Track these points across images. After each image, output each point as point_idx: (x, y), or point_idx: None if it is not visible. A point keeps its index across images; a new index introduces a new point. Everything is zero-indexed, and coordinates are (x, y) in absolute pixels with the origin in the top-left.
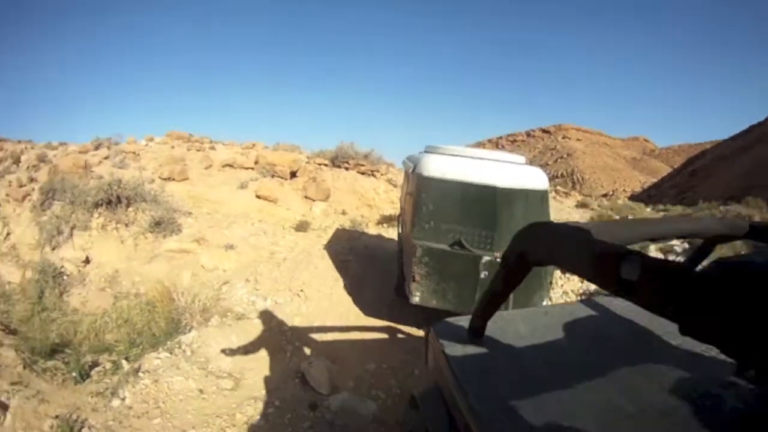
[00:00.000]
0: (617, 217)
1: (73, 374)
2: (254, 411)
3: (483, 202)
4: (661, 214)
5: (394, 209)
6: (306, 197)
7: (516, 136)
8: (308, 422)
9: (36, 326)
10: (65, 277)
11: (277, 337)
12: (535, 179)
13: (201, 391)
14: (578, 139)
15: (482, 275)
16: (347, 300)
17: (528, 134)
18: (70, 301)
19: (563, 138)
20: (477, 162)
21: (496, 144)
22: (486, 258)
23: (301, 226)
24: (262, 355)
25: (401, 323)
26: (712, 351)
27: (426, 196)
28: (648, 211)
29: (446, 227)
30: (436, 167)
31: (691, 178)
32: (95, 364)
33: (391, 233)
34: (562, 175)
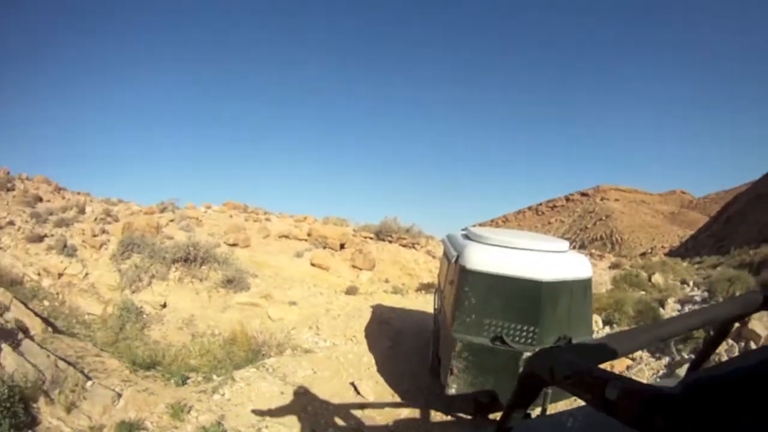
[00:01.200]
0: (656, 274)
1: (173, 380)
2: (319, 406)
3: (526, 296)
4: (696, 266)
5: (431, 277)
6: (354, 266)
7: (555, 202)
8: (357, 414)
9: (121, 349)
10: (145, 316)
11: (336, 364)
12: (578, 268)
13: (282, 393)
14: (616, 199)
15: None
16: (387, 345)
17: (567, 198)
18: (151, 335)
19: (601, 199)
20: (520, 253)
21: (536, 211)
22: (527, 354)
23: (351, 290)
24: (326, 374)
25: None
26: None
27: (468, 290)
28: (684, 265)
29: (488, 321)
30: (479, 259)
31: (726, 225)
32: (186, 379)
33: (428, 298)
34: (600, 238)
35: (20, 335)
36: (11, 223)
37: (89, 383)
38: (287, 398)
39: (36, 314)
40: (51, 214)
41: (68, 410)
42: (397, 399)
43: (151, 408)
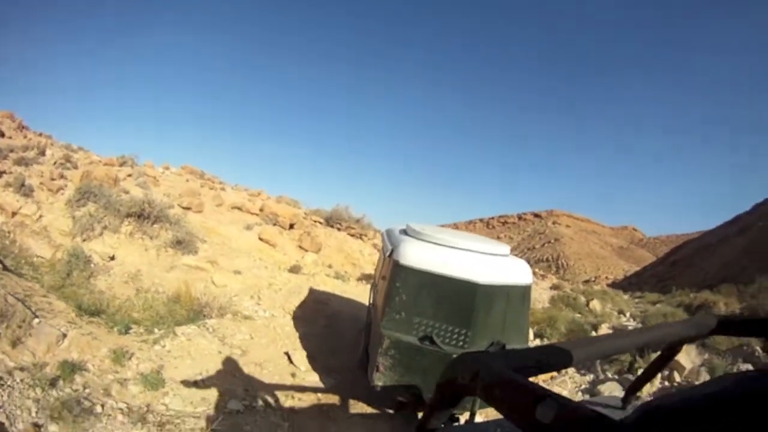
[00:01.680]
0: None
1: (116, 328)
2: (254, 369)
3: (460, 297)
4: (636, 300)
5: (374, 270)
6: (300, 247)
7: (508, 218)
8: (288, 382)
9: (67, 294)
10: (93, 265)
11: (273, 333)
12: (518, 273)
13: (219, 352)
14: (568, 226)
15: None
16: (323, 324)
17: (519, 217)
18: (97, 284)
19: (553, 223)
20: (458, 253)
21: (487, 224)
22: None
23: (294, 269)
24: (263, 341)
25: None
26: None
27: (400, 286)
28: (624, 297)
29: (418, 320)
30: (414, 256)
31: (672, 267)
32: (129, 329)
33: (368, 288)
34: (547, 260)
35: None
36: None
37: (36, 321)
38: (224, 357)
39: None
40: (11, 151)
41: (13, 345)
42: (326, 376)
43: (93, 351)
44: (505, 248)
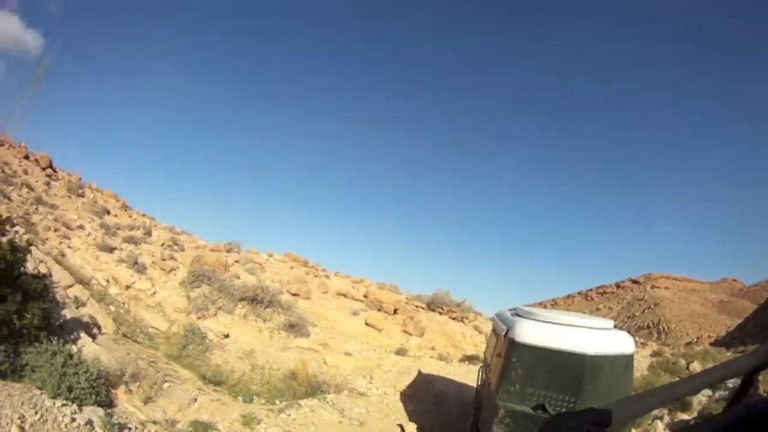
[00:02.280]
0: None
1: (239, 397)
2: None
3: (570, 368)
4: (739, 355)
5: (475, 350)
6: (405, 331)
7: (606, 288)
8: None
9: (185, 365)
10: (208, 341)
11: (386, 408)
12: (621, 344)
13: (340, 422)
14: (667, 288)
15: None
16: (431, 402)
17: (617, 285)
18: (212, 358)
19: (652, 287)
20: (566, 329)
21: (585, 296)
22: None
23: (400, 352)
24: (378, 415)
25: None
26: None
27: (516, 361)
28: (727, 354)
29: (531, 391)
30: (527, 333)
31: None
32: (252, 399)
33: (471, 368)
34: (648, 326)
35: (95, 330)
36: (81, 227)
37: (166, 384)
38: (345, 427)
39: (108, 314)
40: (119, 229)
41: (145, 402)
42: None
43: (223, 415)
44: (609, 323)
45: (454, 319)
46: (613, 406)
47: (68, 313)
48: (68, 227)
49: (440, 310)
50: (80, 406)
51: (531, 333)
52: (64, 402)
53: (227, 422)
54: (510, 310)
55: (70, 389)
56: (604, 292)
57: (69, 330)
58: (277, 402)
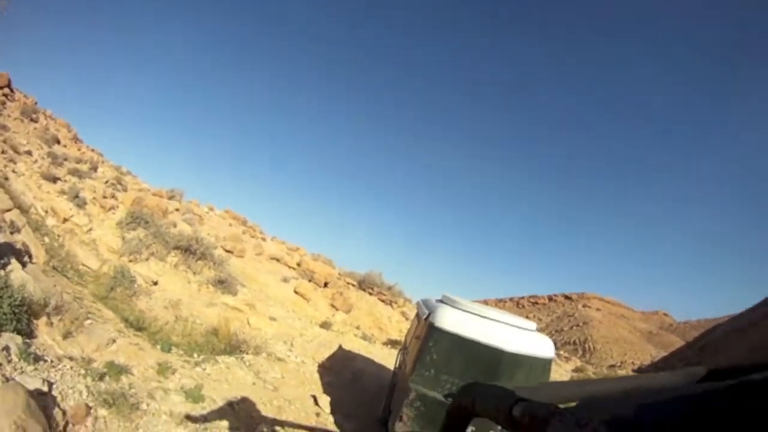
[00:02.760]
0: None
1: (158, 346)
2: (283, 403)
3: (487, 362)
4: None
5: (399, 336)
6: (332, 305)
7: (538, 299)
8: (313, 420)
9: (109, 306)
10: (136, 285)
11: (302, 377)
12: (541, 347)
13: (254, 383)
14: (598, 309)
15: (469, 430)
16: (349, 377)
17: (550, 298)
18: (138, 304)
19: (584, 306)
20: (488, 322)
21: (517, 303)
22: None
23: (325, 325)
24: (293, 382)
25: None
26: None
27: (432, 345)
28: None
29: (445, 378)
30: (448, 320)
31: (700, 352)
32: (170, 348)
33: (392, 352)
34: (574, 343)
35: (26, 258)
36: (29, 153)
37: (87, 321)
38: (258, 389)
39: (42, 245)
40: (66, 160)
41: (65, 336)
42: (347, 421)
43: (139, 360)
44: (532, 324)
45: (383, 301)
46: (520, 389)
47: (2, 237)
48: (16, 151)
49: (371, 290)
50: None
51: (452, 320)
52: None
53: (142, 368)
54: (437, 297)
55: None
56: (536, 303)
57: (0, 253)
58: (195, 355)
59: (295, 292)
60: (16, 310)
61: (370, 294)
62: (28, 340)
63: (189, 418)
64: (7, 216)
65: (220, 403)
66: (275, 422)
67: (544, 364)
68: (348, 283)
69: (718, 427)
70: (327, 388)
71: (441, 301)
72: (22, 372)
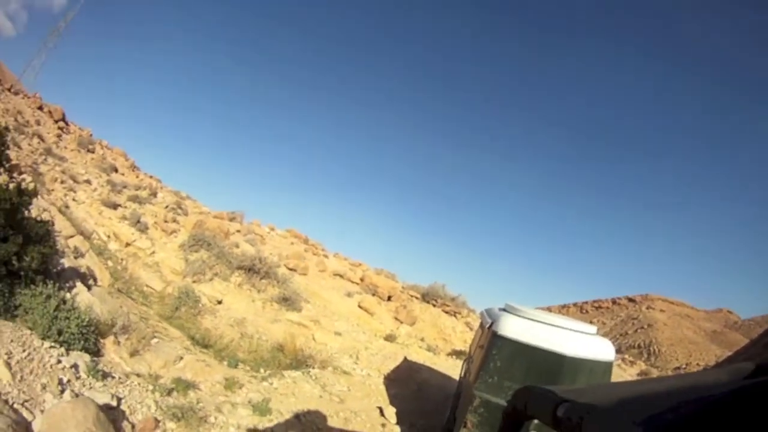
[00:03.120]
0: None
1: (225, 362)
2: (350, 415)
3: (548, 367)
4: None
5: (464, 346)
6: (396, 318)
7: (602, 303)
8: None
9: (175, 326)
10: (201, 305)
11: (368, 389)
12: (602, 351)
13: (320, 396)
14: (662, 310)
15: None
16: (414, 388)
17: (614, 302)
18: (203, 322)
19: (647, 308)
20: (549, 328)
21: (580, 308)
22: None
23: (389, 338)
24: (359, 395)
25: None
26: None
27: (496, 353)
28: None
29: (508, 384)
30: (510, 328)
31: (765, 350)
32: (237, 364)
33: (457, 363)
34: (639, 346)
35: (91, 281)
36: (88, 182)
37: (154, 340)
38: (325, 401)
39: (106, 268)
40: (125, 187)
41: (132, 354)
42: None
43: (206, 376)
44: (592, 328)
45: (447, 312)
46: (568, 391)
47: (67, 262)
48: (75, 180)
49: (434, 302)
50: (68, 350)
51: (513, 327)
52: (53, 344)
53: (210, 383)
54: (500, 306)
55: (59, 333)
56: (600, 307)
57: (66, 278)
58: (262, 370)
59: (359, 307)
60: (84, 330)
61: (434, 306)
62: (96, 359)
63: (257, 430)
64: (71, 242)
65: (287, 415)
66: None
67: (605, 368)
68: (411, 296)
69: (750, 424)
70: (392, 400)
71: (504, 310)
72: (91, 388)
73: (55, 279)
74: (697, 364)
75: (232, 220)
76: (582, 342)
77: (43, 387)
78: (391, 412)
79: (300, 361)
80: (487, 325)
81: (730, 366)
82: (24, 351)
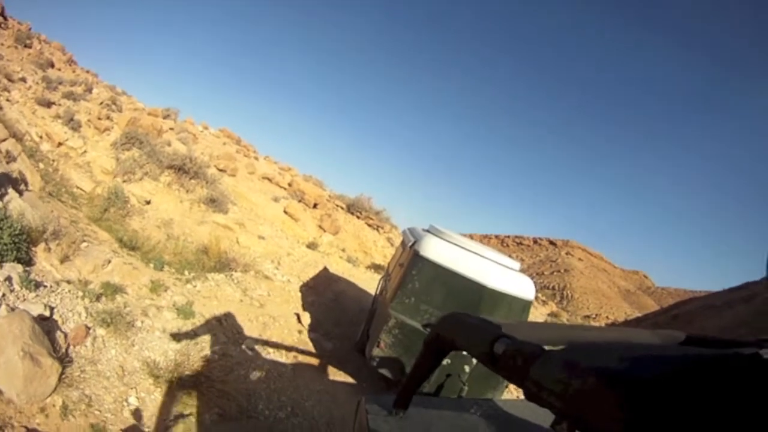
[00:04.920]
0: None
1: (151, 264)
2: (268, 320)
3: (468, 296)
4: None
5: (383, 261)
6: (320, 227)
7: (523, 240)
8: (295, 337)
9: (104, 228)
10: (129, 206)
11: (287, 295)
12: (523, 288)
13: (241, 300)
14: (580, 259)
15: (444, 363)
16: (331, 297)
17: (535, 241)
18: (131, 224)
19: (567, 254)
20: (473, 257)
21: (502, 241)
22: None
23: (311, 245)
24: (278, 300)
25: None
26: None
27: (416, 274)
28: None
29: (425, 308)
30: (434, 250)
31: (672, 320)
32: (163, 266)
33: (375, 276)
34: (553, 288)
35: (22, 186)
36: (23, 80)
37: (84, 244)
38: (245, 306)
39: (37, 171)
40: (60, 83)
41: (62, 261)
42: (326, 339)
43: (133, 279)
44: (516, 264)
45: (370, 226)
46: (505, 323)
47: None
48: (9, 79)
49: (359, 214)
50: (1, 262)
51: (437, 250)
52: None
53: (136, 286)
54: (424, 227)
55: None
56: (521, 243)
57: None
58: (186, 273)
59: (285, 212)
60: (16, 240)
61: (358, 218)
62: (27, 268)
63: (180, 333)
64: (3, 146)
65: (210, 319)
66: (260, 337)
67: (524, 305)
68: (337, 206)
69: (713, 392)
70: (309, 307)
71: (428, 231)
72: (25, 300)
73: None
74: (607, 317)
75: (166, 117)
76: (505, 276)
77: None
78: (307, 318)
79: (224, 264)
80: (410, 244)
81: (662, 330)
82: None
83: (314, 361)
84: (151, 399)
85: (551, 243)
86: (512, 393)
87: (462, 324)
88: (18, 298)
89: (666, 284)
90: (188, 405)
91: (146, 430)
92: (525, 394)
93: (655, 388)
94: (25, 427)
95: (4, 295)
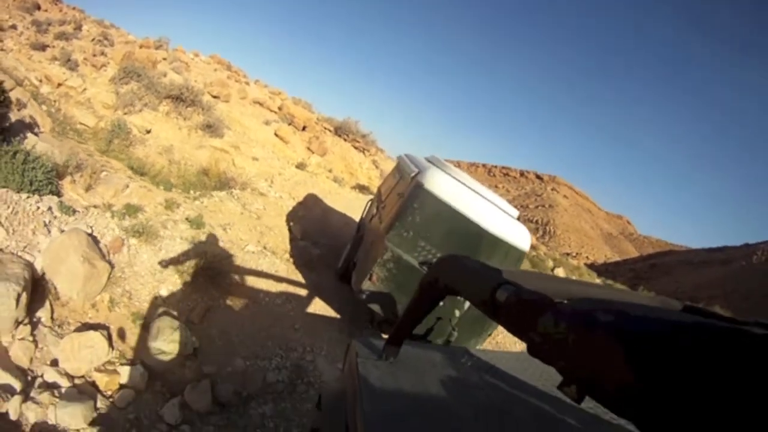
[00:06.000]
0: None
1: (161, 186)
2: (265, 229)
3: (468, 238)
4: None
5: (368, 182)
6: (308, 148)
7: (510, 171)
8: (288, 245)
9: (111, 158)
10: (132, 136)
11: (280, 209)
12: (521, 237)
13: (242, 213)
14: (565, 196)
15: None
16: (318, 212)
17: (522, 173)
18: (135, 153)
19: (552, 189)
20: (477, 198)
21: (489, 171)
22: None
23: (300, 166)
24: (272, 213)
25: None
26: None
27: (417, 207)
28: (597, 281)
29: (423, 244)
30: (439, 185)
31: (650, 269)
32: (171, 187)
33: (359, 196)
34: (536, 222)
35: (36, 129)
36: (13, 27)
37: (103, 173)
38: (245, 218)
39: (47, 114)
40: (50, 24)
41: (86, 190)
42: (315, 246)
43: (149, 200)
44: (515, 211)
45: (356, 148)
46: (506, 271)
47: (13, 116)
48: (1, 28)
49: (346, 137)
50: (41, 196)
51: (442, 185)
52: (28, 194)
53: (153, 205)
54: (425, 156)
55: (31, 183)
56: (507, 174)
57: (15, 131)
58: (192, 192)
59: (276, 135)
60: (48, 176)
61: (345, 140)
62: (60, 199)
63: (194, 240)
64: (12, 95)
65: (217, 228)
66: (259, 243)
67: (520, 255)
68: (325, 128)
69: (727, 362)
70: (300, 219)
71: (431, 162)
72: (67, 224)
73: (7, 135)
74: (587, 257)
75: (158, 48)
76: (506, 223)
77: (33, 232)
78: (298, 229)
79: (223, 183)
80: (412, 174)
81: (658, 297)
82: (8, 207)
83: (307, 261)
84: (178, 290)
85: (538, 177)
86: (491, 343)
87: (462, 267)
88: (61, 223)
89: (648, 233)
90: (206, 293)
91: (174, 313)
92: (528, 346)
93: (678, 349)
94: (80, 322)
95: (50, 222)
